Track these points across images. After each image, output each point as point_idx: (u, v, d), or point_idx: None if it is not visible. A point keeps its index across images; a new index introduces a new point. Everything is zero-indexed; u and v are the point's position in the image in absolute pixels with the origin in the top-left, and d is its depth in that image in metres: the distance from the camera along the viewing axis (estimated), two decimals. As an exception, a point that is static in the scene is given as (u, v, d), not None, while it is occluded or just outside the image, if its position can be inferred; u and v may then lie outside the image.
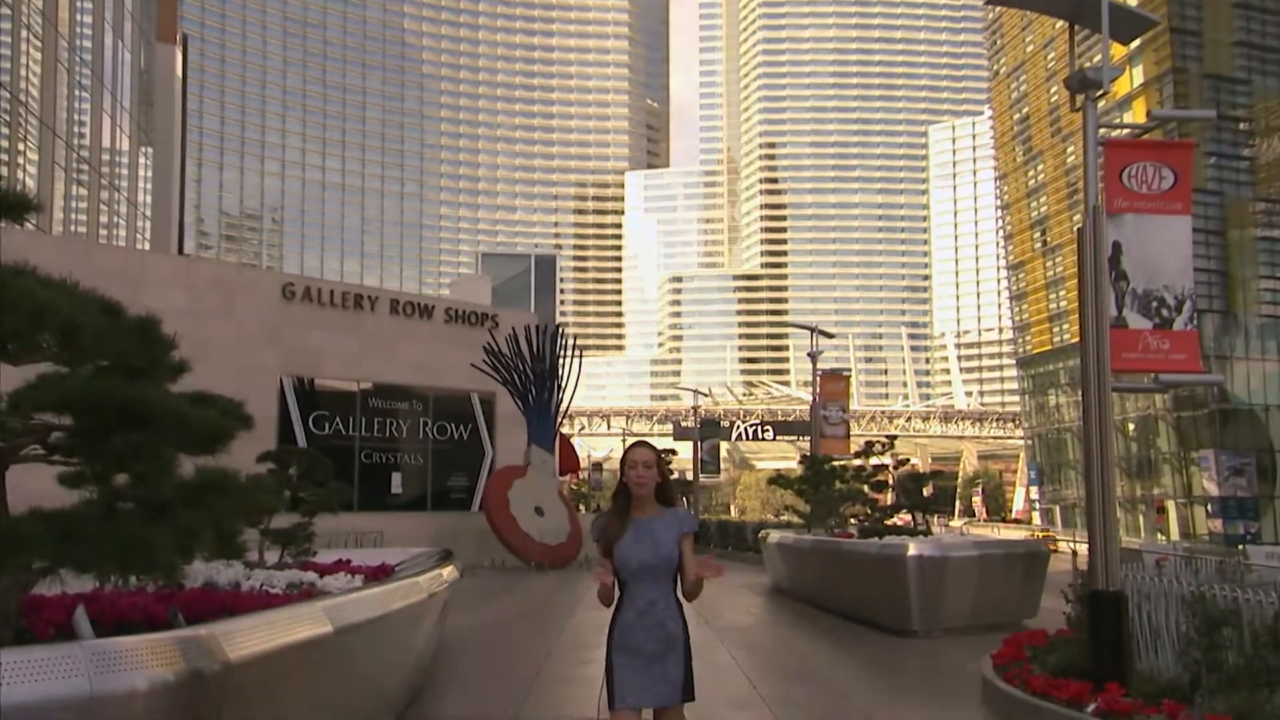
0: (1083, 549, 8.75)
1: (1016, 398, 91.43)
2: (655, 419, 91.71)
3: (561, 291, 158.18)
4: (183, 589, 5.25)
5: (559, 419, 25.41)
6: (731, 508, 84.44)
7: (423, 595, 6.77)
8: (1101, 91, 7.55)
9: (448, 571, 8.43)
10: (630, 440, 4.04)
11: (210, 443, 4.21)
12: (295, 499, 9.11)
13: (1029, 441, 77.39)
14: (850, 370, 38.38)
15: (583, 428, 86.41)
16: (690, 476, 43.79)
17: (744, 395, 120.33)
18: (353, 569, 8.14)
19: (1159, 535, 54.13)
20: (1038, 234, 75.64)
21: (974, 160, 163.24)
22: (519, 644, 11.28)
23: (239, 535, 4.29)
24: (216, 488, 4.11)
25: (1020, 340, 79.57)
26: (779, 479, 22.96)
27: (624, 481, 3.86)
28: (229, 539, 4.18)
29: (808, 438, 34.44)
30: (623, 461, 3.88)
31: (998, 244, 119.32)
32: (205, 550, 4.03)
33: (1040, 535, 57.62)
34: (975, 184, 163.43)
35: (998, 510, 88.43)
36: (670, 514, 3.82)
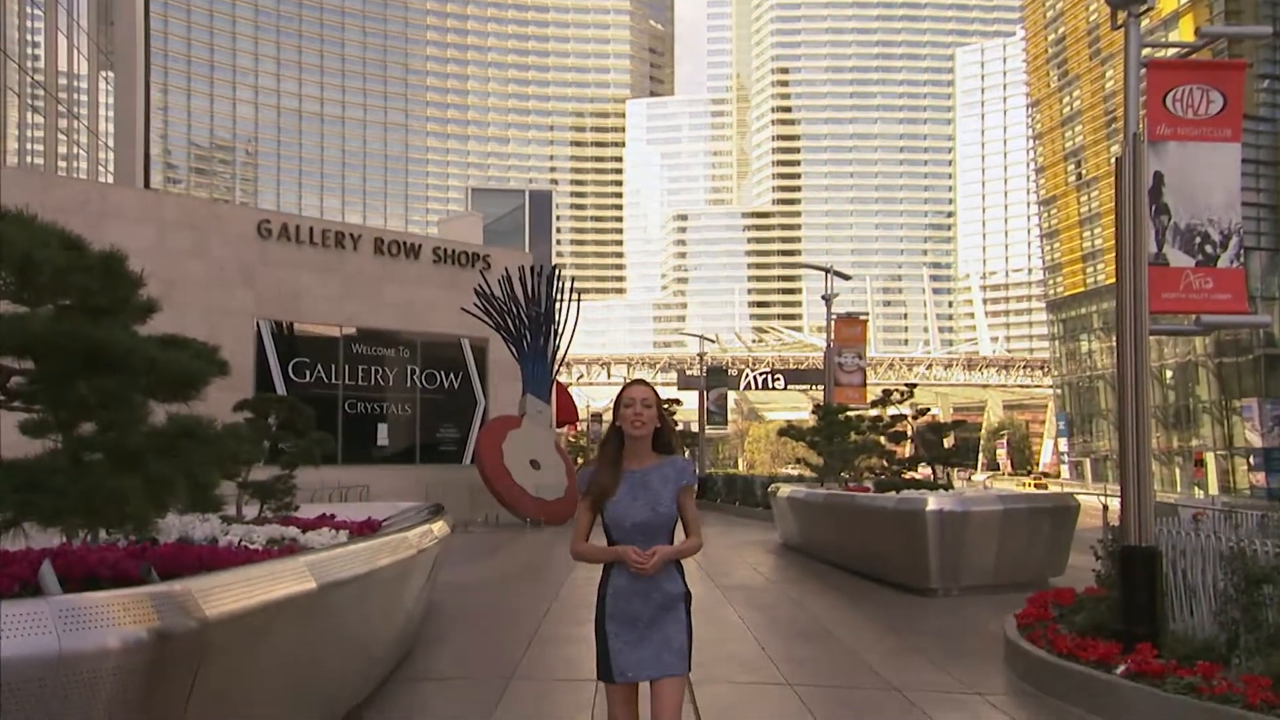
0: (1115, 504, 8.80)
1: (1045, 344, 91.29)
2: (658, 367, 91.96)
3: (558, 230, 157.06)
4: (156, 544, 5.29)
5: (556, 366, 25.44)
6: (739, 461, 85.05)
7: (412, 551, 6.83)
8: (1146, 7, 7.40)
9: (438, 527, 8.50)
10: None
11: (182, 388, 4.22)
12: (275, 450, 9.15)
13: (1058, 390, 77.54)
14: (867, 314, 38.37)
15: (581, 376, 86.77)
16: (695, 428, 43.98)
17: (753, 341, 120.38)
18: (337, 524, 8.23)
19: (1197, 489, 54.47)
20: (1072, 166, 75.00)
21: (1004, 86, 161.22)
22: (514, 603, 11.41)
23: (215, 487, 4.32)
24: (190, 436, 4.12)
25: (1051, 281, 79.33)
26: (790, 430, 23.08)
27: (617, 425, 3.64)
28: (204, 491, 4.21)
29: (821, 387, 34.52)
30: (617, 402, 3.66)
31: (1028, 178, 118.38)
32: (179, 503, 4.05)
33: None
34: (1005, 112, 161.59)
35: (1024, 463, 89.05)
36: (668, 464, 3.65)
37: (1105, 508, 12.85)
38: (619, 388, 3.64)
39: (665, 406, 3.79)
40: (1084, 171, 73.23)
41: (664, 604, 3.58)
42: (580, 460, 54.00)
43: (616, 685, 3.57)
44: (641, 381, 3.75)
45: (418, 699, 6.63)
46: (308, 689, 4.85)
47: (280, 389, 22.20)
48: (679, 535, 3.69)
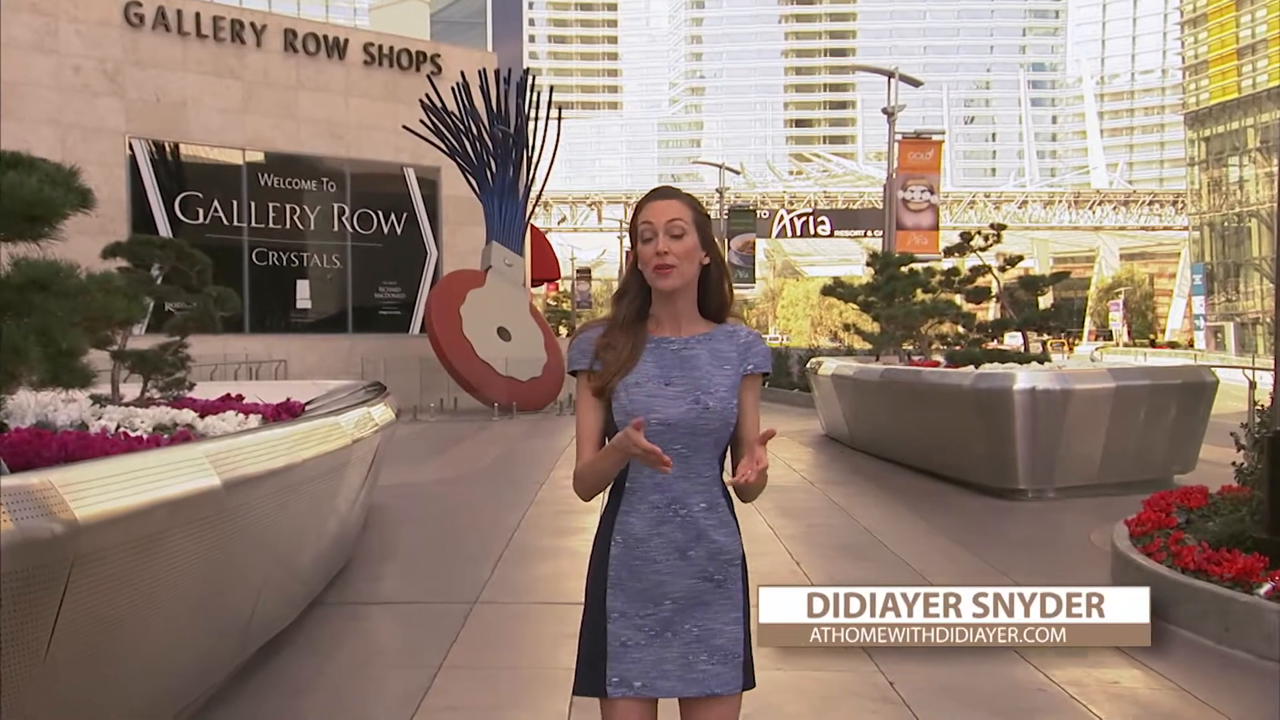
0: (1265, 380, 8.83)
1: (1180, 171, 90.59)
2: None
3: (531, 23, 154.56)
4: (5, 430, 5.32)
5: (530, 206, 25.28)
6: (771, 328, 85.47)
7: (346, 440, 6.88)
8: None
9: (379, 412, 8.57)
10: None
11: (30, 224, 4.16)
12: (160, 311, 9.14)
13: (1195, 234, 77.31)
14: (943, 134, 37.94)
15: (563, 219, 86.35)
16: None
17: (791, 174, 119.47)
18: (246, 407, 8.29)
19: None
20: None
21: None
22: (479, 509, 11.60)
23: (81, 355, 4.30)
24: (44, 288, 4.09)
25: (1192, 86, 78.09)
26: (837, 288, 23.00)
27: (637, 266, 2.80)
28: (66, 360, 4.19)
29: (879, 232, 34.37)
30: (633, 225, 2.79)
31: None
32: (32, 374, 4.04)
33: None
34: None
35: (1145, 330, 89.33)
36: (724, 335, 2.80)
37: (1252, 385, 12.91)
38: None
39: (709, 219, 2.89)
40: (1243, -66, 71.32)
41: (710, 569, 2.71)
42: (562, 330, 53.84)
43: (615, 702, 2.67)
44: (668, 191, 2.83)
45: (354, 627, 6.79)
46: (213, 614, 4.94)
47: (164, 232, 22.10)
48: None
